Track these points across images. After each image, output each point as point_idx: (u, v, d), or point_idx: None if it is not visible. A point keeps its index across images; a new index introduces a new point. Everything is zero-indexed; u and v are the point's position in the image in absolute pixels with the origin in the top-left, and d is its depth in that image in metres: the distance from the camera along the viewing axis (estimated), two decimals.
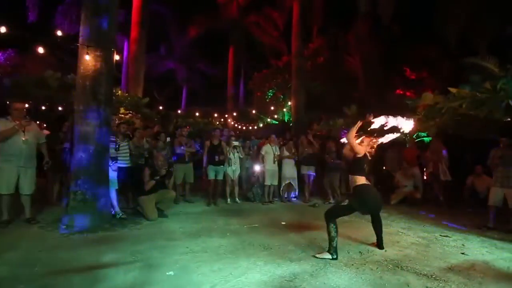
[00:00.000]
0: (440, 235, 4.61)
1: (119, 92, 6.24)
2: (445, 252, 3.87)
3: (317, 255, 3.50)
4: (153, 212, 4.81)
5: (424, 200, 7.07)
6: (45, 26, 12.69)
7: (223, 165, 6.53)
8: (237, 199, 6.85)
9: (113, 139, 4.89)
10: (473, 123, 4.35)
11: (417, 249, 3.95)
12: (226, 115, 15.72)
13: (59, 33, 5.69)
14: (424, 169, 7.32)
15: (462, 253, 3.83)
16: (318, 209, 6.44)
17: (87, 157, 4.23)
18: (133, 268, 2.99)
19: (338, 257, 3.47)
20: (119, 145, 4.94)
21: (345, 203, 3.75)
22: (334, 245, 3.51)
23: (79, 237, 3.81)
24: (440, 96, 4.50)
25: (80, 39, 4.33)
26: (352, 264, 3.34)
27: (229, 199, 6.79)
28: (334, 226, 3.57)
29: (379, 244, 3.92)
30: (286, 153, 7.13)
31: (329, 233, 3.55)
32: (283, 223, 5.10)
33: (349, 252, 3.73)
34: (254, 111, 13.71)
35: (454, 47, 8.81)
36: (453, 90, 4.40)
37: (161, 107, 16.12)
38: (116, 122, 5.36)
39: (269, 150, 6.95)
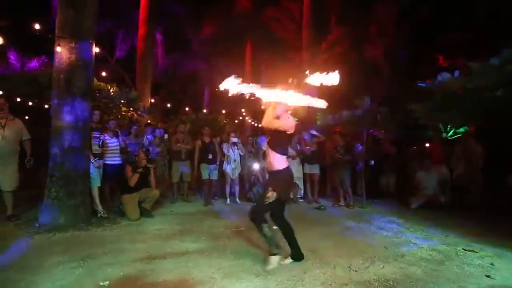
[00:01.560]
0: (464, 249, 3.72)
1: (102, 85, 6.10)
2: (463, 272, 3.05)
3: (267, 266, 2.96)
4: (134, 211, 4.55)
5: (454, 205, 6.01)
6: None
7: (216, 164, 6.14)
8: (237, 199, 6.41)
9: (97, 135, 4.73)
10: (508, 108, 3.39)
11: (427, 266, 3.16)
12: (244, 113, 15.39)
13: None
14: (453, 168, 6.23)
15: (487, 276, 2.97)
16: (322, 213, 5.76)
17: (61, 153, 4.08)
18: (68, 275, 2.67)
19: (319, 272, 2.88)
20: (103, 141, 4.76)
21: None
22: (274, 241, 3.02)
23: (44, 236, 3.64)
24: (462, 78, 3.62)
25: (56, 31, 4.20)
26: (331, 284, 2.70)
27: (228, 199, 6.38)
28: (266, 225, 2.98)
29: (293, 255, 3.16)
30: (291, 151, 6.52)
31: (264, 235, 2.99)
32: (275, 227, 4.53)
33: (335, 267, 3.08)
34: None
35: (492, 28, 7.44)
36: (474, 65, 3.45)
37: (187, 108, 16.43)
38: (112, 120, 5.23)
39: None
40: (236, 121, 15.93)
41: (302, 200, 6.72)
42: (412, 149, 7.53)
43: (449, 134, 6.65)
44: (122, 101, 7.71)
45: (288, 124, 2.95)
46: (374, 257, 3.38)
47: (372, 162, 7.19)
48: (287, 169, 3.01)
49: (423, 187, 6.22)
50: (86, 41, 4.27)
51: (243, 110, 15.05)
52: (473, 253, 3.62)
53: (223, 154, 6.33)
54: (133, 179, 4.61)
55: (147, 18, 8.79)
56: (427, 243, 3.96)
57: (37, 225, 3.93)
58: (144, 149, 4.93)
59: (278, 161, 2.95)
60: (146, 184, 4.79)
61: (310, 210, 5.99)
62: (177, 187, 6.42)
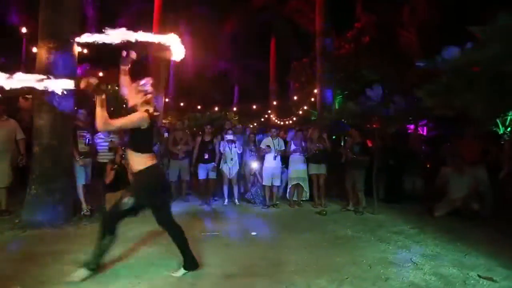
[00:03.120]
0: (479, 276, 2.87)
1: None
2: None
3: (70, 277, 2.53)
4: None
5: (494, 215, 4.88)
6: None
7: (214, 163, 5.85)
8: (236, 200, 6.06)
9: (83, 133, 4.79)
10: None
11: None
12: (269, 111, 14.95)
13: None
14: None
15: None
16: (321, 218, 5.12)
17: (40, 151, 4.17)
18: None
19: None
20: (88, 139, 4.80)
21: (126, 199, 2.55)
22: (99, 258, 2.61)
23: (13, 233, 3.72)
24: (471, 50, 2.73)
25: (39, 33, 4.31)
26: None
27: (226, 200, 6.06)
28: (110, 237, 2.59)
29: (184, 265, 2.75)
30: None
31: (98, 245, 2.58)
32: (254, 233, 4.10)
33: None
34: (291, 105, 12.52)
35: None
36: (485, 28, 2.54)
37: (216, 108, 16.61)
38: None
39: (269, 144, 5.91)
40: (262, 119, 15.61)
41: (307, 203, 6.11)
42: (445, 147, 6.38)
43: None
44: None
45: (133, 120, 2.51)
46: (347, 278, 2.76)
47: (391, 161, 6.25)
48: (152, 168, 2.57)
49: (452, 192, 5.17)
50: (65, 41, 4.31)
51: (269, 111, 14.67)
52: (490, 282, 2.77)
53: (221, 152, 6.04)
54: (109, 176, 4.56)
55: (159, 19, 8.91)
56: (431, 263, 3.18)
57: (17, 221, 4.06)
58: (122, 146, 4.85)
59: (138, 161, 2.54)
60: (124, 181, 4.70)
61: (310, 214, 5.38)
62: (176, 186, 6.30)
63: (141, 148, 2.57)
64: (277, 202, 6.04)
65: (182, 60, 2.93)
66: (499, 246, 3.67)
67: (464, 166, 5.16)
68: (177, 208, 5.44)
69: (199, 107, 13.07)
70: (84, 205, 4.64)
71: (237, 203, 6.03)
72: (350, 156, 5.44)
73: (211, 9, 14.37)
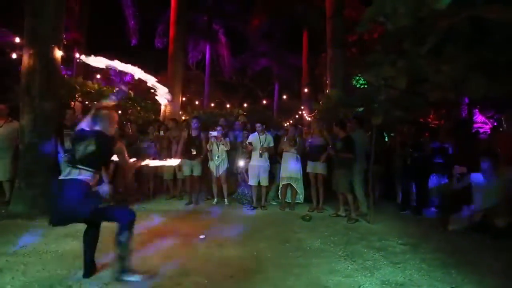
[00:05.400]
0: None
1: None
2: None
3: None
4: None
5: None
6: (147, 46, 15.58)
7: (198, 159, 5.64)
8: (225, 199, 5.77)
9: (69, 132, 5.10)
10: None
11: None
12: (302, 107, 14.10)
13: None
14: None
15: None
16: (303, 224, 4.45)
17: (23, 149, 4.57)
18: None
19: None
20: None
21: None
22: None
23: None
24: None
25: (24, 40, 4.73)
26: None
27: (215, 199, 5.81)
28: None
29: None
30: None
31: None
32: (202, 237, 3.74)
33: None
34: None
35: None
36: None
37: (264, 102, 16.40)
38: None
39: (255, 141, 5.44)
40: (297, 116, 14.87)
41: (309, 205, 5.44)
42: (479, 142, 4.97)
43: None
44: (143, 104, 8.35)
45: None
46: None
47: (409, 160, 5.14)
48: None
49: (475, 200, 3.96)
50: (46, 47, 4.64)
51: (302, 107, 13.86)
52: None
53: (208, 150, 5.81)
54: None
55: (176, 20, 9.12)
56: None
57: (3, 211, 4.52)
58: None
59: None
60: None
61: (293, 219, 4.75)
62: (172, 184, 6.30)
63: None
64: (266, 203, 5.55)
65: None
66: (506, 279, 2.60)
67: (495, 168, 3.90)
68: (164, 207, 5.47)
69: (212, 104, 13.07)
70: None
71: (226, 202, 5.73)
72: (332, 153, 4.63)
73: (242, 5, 14.28)
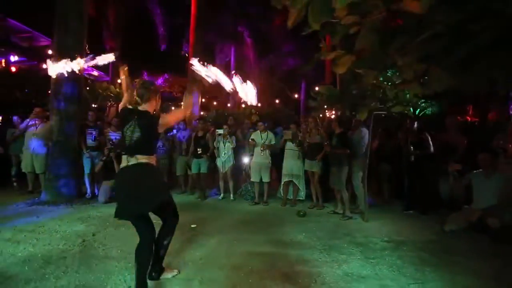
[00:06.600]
0: None
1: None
2: None
3: None
4: (103, 196, 5.20)
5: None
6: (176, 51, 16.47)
7: (205, 157, 5.95)
8: (231, 195, 6.03)
9: (91, 131, 5.74)
10: None
11: None
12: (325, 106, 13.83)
13: None
14: None
15: None
16: (296, 219, 4.53)
17: (52, 146, 5.28)
18: None
19: None
20: (94, 136, 5.73)
21: None
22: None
23: (17, 207, 4.81)
24: None
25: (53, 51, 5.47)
26: None
27: (222, 195, 6.10)
28: None
29: None
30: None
31: None
32: (193, 226, 4.03)
33: None
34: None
35: None
36: None
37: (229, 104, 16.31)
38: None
39: (257, 138, 5.61)
40: (321, 115, 14.66)
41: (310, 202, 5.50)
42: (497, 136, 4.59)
43: None
44: None
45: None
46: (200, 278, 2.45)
47: (412, 157, 4.94)
48: None
49: (474, 199, 3.73)
50: (72, 58, 5.30)
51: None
52: None
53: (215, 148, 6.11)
54: (98, 167, 5.32)
55: (195, 26, 9.63)
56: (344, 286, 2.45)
57: (36, 199, 5.26)
58: (110, 140, 5.54)
59: None
60: (112, 171, 5.37)
61: (289, 214, 4.83)
62: (184, 180, 6.71)
63: None
64: (267, 200, 5.69)
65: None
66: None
67: (499, 164, 3.64)
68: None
69: (228, 104, 13.36)
70: (88, 191, 5.58)
71: (232, 198, 5.98)
72: (328, 150, 4.63)
73: (265, 5, 14.45)
